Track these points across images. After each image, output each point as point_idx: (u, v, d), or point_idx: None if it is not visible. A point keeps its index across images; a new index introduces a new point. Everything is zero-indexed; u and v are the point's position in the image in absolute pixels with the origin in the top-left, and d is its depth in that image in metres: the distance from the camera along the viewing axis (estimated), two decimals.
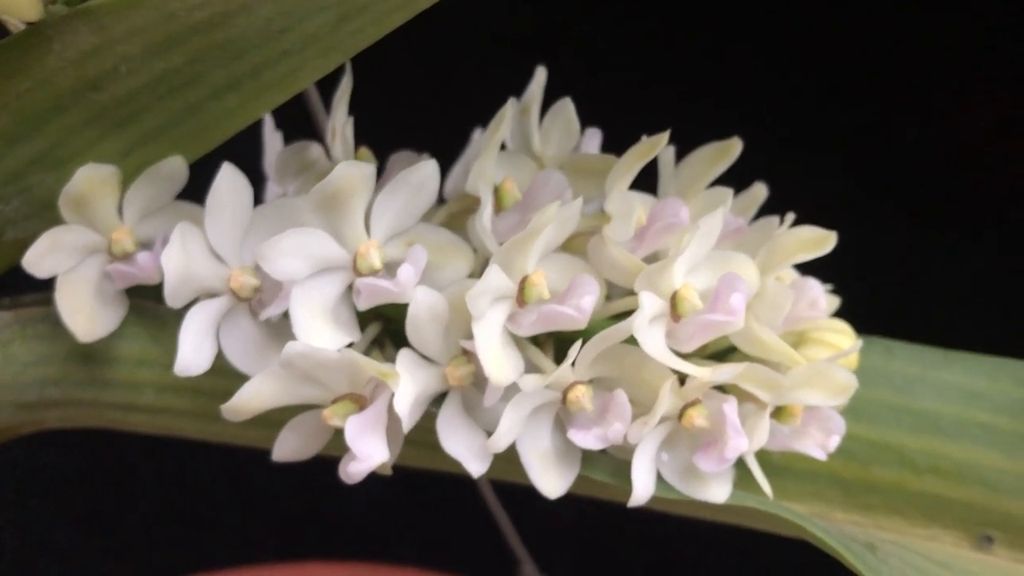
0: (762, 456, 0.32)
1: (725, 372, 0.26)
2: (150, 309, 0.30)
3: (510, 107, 0.27)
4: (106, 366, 0.30)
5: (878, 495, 0.32)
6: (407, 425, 0.26)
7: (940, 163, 0.71)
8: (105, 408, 0.31)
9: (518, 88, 0.32)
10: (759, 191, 0.31)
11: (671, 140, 0.30)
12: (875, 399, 0.32)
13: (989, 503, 0.32)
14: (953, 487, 0.32)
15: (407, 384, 0.25)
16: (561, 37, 0.71)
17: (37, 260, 0.27)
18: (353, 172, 0.25)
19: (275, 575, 0.55)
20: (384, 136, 0.34)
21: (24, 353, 0.30)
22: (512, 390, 0.26)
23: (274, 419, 0.28)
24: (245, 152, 0.34)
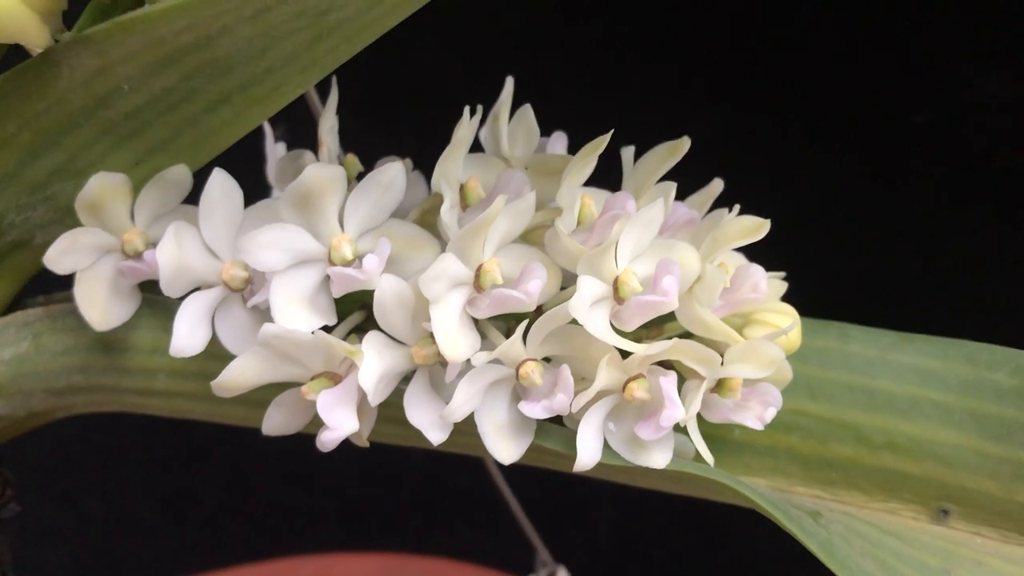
0: (724, 433, 0.34)
1: (657, 347, 0.28)
2: (161, 302, 0.33)
3: (467, 114, 0.30)
4: (123, 354, 0.34)
5: (837, 470, 0.34)
6: (373, 398, 0.28)
7: (944, 150, 0.72)
8: (125, 393, 0.34)
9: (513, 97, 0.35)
10: (715, 186, 0.33)
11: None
12: (831, 379, 0.34)
13: (944, 477, 0.33)
14: (908, 462, 0.33)
15: (371, 361, 0.28)
16: (546, 44, 0.74)
17: (57, 258, 0.31)
18: (321, 173, 0.28)
19: (310, 566, 0.58)
20: (377, 144, 0.37)
21: (53, 344, 0.34)
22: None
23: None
24: (255, 162, 0.37)
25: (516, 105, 0.34)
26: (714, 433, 0.33)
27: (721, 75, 0.74)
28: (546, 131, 0.35)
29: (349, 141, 0.39)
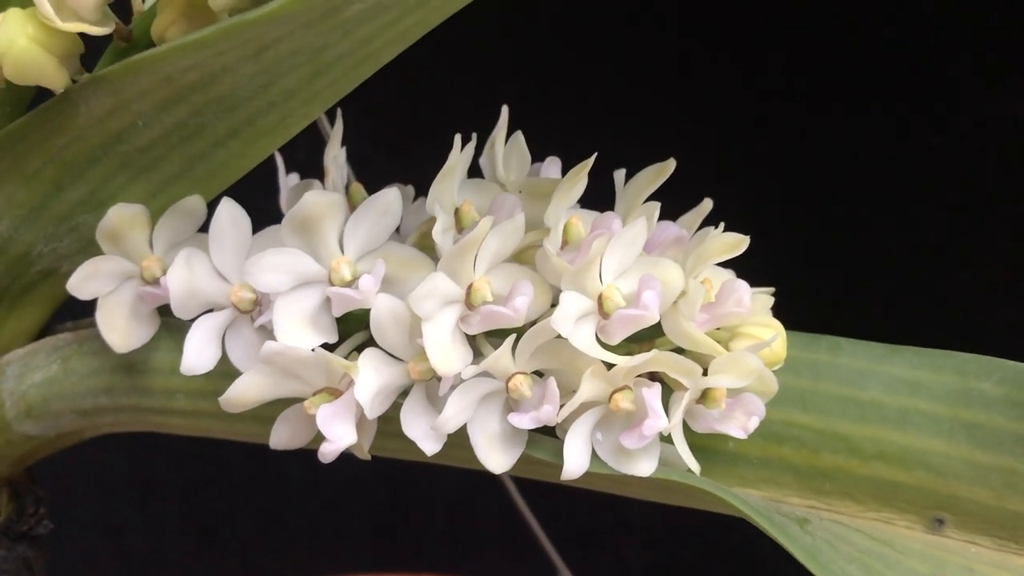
0: (718, 445, 0.35)
1: (637, 359, 0.29)
2: (179, 325, 0.35)
3: (458, 142, 0.32)
4: (144, 375, 0.35)
5: (830, 480, 0.34)
6: (370, 412, 0.30)
7: (941, 163, 0.72)
8: (147, 413, 0.36)
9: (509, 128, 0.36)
10: (705, 205, 0.35)
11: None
12: (823, 391, 0.35)
13: (936, 487, 0.34)
14: (900, 472, 0.34)
15: (367, 376, 0.30)
16: (556, 66, 0.76)
17: (80, 284, 0.33)
18: (320, 199, 0.30)
19: None
20: (384, 171, 0.39)
21: (80, 366, 0.36)
22: None
23: None
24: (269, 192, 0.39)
25: (517, 130, 0.35)
26: (707, 445, 0.34)
27: (721, 87, 0.75)
28: (550, 153, 0.37)
29: (371, 171, 0.41)
